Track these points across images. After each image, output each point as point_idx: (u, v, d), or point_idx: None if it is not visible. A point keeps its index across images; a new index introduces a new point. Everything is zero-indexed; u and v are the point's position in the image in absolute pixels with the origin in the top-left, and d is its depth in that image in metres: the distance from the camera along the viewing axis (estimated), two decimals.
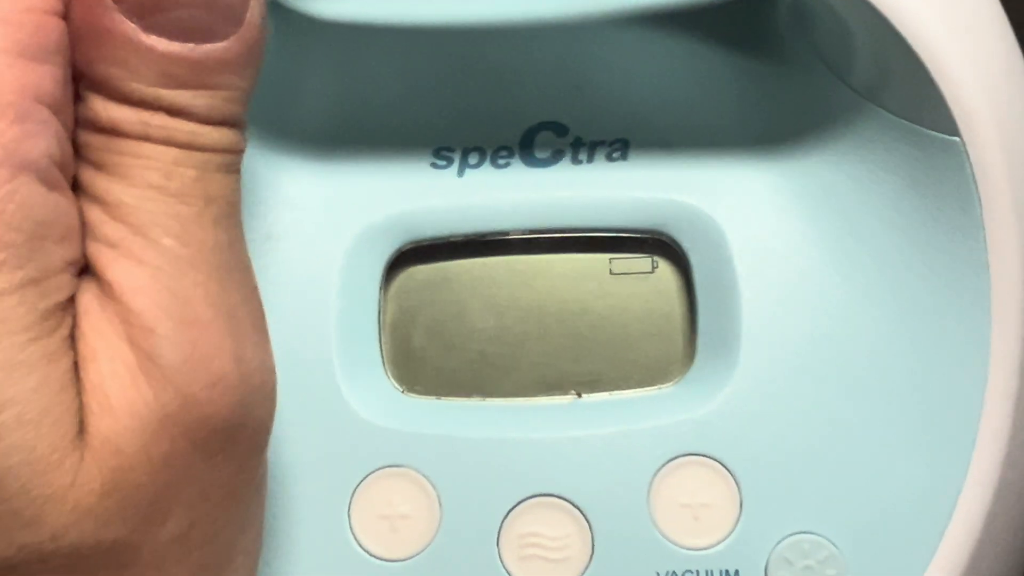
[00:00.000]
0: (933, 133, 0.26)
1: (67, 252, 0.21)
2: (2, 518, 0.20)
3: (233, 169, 0.23)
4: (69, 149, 0.22)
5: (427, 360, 0.29)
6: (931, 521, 0.27)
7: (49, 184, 0.21)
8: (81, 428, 0.21)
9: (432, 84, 0.30)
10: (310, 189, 0.29)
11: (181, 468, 0.22)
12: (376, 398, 0.28)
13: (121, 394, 0.21)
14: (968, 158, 0.26)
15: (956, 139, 0.26)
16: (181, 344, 0.21)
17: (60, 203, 0.21)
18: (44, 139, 0.21)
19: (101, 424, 0.21)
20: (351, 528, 0.27)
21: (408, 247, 0.29)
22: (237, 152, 0.23)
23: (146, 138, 0.22)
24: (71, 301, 0.22)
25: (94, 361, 0.21)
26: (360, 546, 0.27)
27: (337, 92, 0.29)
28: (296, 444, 0.27)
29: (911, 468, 0.27)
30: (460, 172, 0.29)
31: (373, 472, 0.27)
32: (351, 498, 0.27)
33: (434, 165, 0.29)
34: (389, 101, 0.29)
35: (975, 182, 0.26)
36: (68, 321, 0.21)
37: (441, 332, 0.29)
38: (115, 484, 0.21)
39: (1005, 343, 0.27)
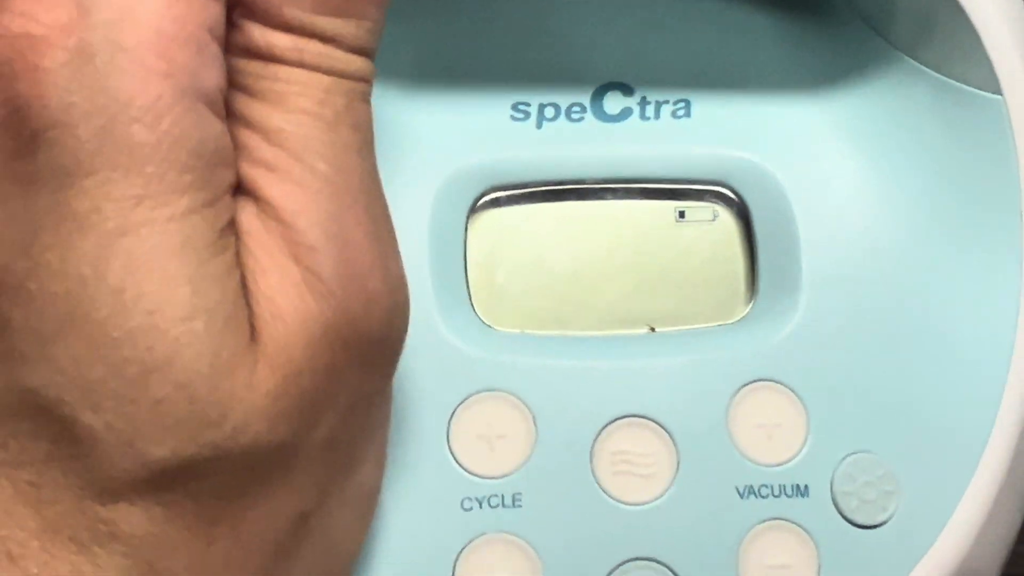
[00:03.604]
0: (974, 90, 0.30)
1: (231, 176, 0.23)
2: (191, 418, 0.21)
3: (369, 100, 0.25)
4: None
5: (509, 297, 0.31)
6: (971, 443, 0.30)
7: (218, 113, 0.22)
8: (253, 336, 0.22)
9: (509, 44, 0.32)
10: (400, 131, 0.30)
11: (338, 377, 0.23)
12: (467, 329, 0.30)
13: (290, 305, 0.22)
14: (1009, 116, 0.29)
15: (999, 97, 0.29)
16: (341, 262, 0.23)
17: (224, 130, 0.23)
18: (217, 71, 0.22)
19: (274, 332, 0.22)
20: (450, 448, 0.29)
21: (491, 192, 0.31)
22: (371, 83, 0.25)
23: (301, 64, 0.23)
24: (232, 220, 0.23)
25: (264, 275, 0.22)
26: (458, 463, 0.29)
27: (425, 49, 0.31)
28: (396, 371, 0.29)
29: (953, 393, 0.30)
30: (539, 124, 0.31)
31: (471, 396, 0.29)
32: (450, 420, 0.29)
33: (513, 118, 0.31)
34: (471, 59, 0.31)
35: (1014, 139, 0.29)
36: (233, 239, 0.23)
37: (521, 272, 0.31)
38: (286, 388, 0.22)
39: None
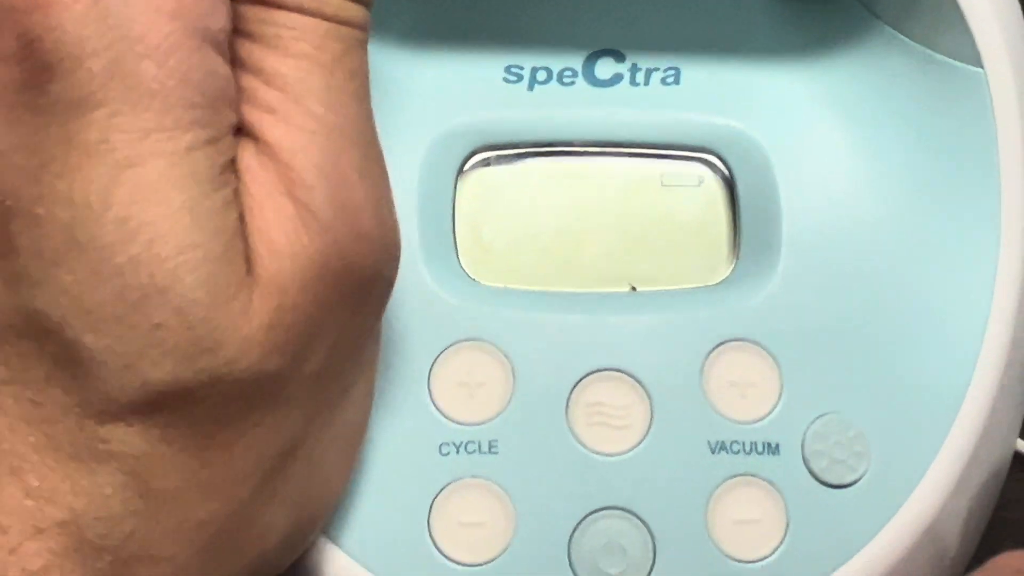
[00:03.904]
0: (956, 63, 0.30)
1: (233, 116, 0.23)
2: (188, 344, 0.22)
3: (365, 47, 0.25)
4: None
5: (495, 253, 0.31)
6: (943, 410, 0.30)
7: (223, 55, 0.23)
8: (248, 269, 0.23)
9: (505, 7, 0.32)
10: (395, 88, 0.31)
11: (329, 312, 0.24)
12: (452, 281, 0.30)
13: (285, 240, 0.23)
14: (989, 89, 0.30)
15: (979, 70, 0.30)
16: (334, 201, 0.24)
17: (229, 72, 0.23)
18: (224, 14, 0.23)
19: (268, 265, 0.23)
20: (431, 393, 0.29)
21: (481, 150, 0.32)
22: (367, 32, 0.26)
23: (300, 10, 0.24)
24: (233, 159, 0.24)
25: (260, 211, 0.23)
26: (438, 409, 0.29)
27: (422, 8, 0.32)
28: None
29: (928, 359, 0.30)
30: (530, 87, 0.32)
31: (453, 344, 0.30)
32: (431, 367, 0.30)
33: (506, 79, 0.32)
34: (467, 20, 0.32)
35: (993, 111, 0.30)
36: (233, 177, 0.23)
37: (508, 229, 0.32)
38: (279, 319, 0.23)
39: (1011, 252, 0.30)
